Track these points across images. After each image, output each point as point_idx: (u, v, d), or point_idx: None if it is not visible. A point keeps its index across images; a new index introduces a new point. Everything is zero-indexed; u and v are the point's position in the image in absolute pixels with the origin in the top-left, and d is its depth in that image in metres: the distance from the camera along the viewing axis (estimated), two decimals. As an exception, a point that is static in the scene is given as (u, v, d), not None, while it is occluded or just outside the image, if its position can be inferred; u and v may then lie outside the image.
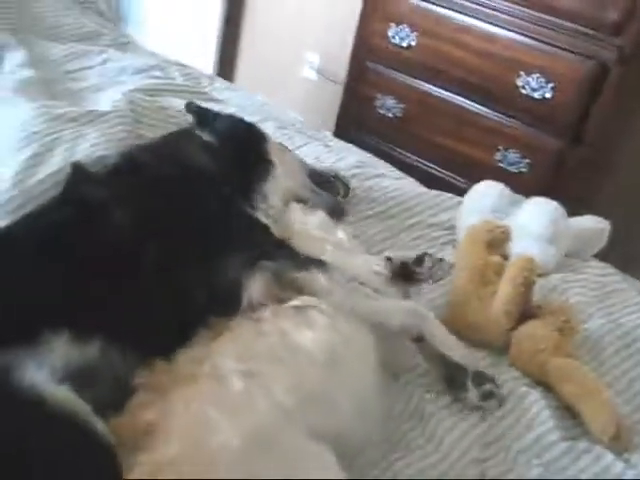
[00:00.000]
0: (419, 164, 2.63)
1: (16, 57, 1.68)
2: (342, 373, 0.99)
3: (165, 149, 1.32)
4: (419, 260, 1.36)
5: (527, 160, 2.40)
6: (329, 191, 1.45)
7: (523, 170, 2.40)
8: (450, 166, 2.58)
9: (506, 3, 2.30)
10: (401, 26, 2.53)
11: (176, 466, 0.84)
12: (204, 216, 1.15)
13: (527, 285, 1.21)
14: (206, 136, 1.35)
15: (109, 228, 1.07)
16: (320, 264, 1.12)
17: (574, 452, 1.07)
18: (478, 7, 2.36)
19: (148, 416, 0.90)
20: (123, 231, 1.07)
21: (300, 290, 1.07)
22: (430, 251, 1.44)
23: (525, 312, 1.24)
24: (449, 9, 2.42)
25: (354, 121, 2.78)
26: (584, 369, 1.18)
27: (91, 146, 1.37)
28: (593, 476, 1.04)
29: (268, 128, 1.69)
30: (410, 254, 1.38)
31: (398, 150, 2.67)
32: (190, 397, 0.91)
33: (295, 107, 2.81)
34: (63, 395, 0.87)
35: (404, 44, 2.55)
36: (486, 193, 1.50)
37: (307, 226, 1.30)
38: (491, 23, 2.34)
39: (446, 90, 2.53)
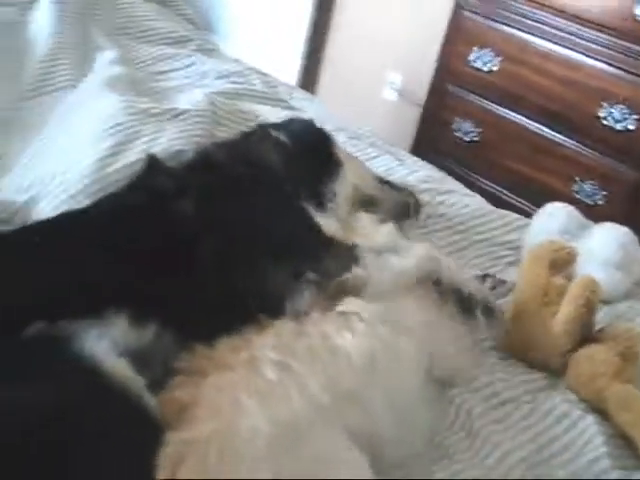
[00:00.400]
0: (493, 190, 2.61)
1: (107, 56, 1.77)
2: (380, 378, 0.99)
3: (240, 147, 1.35)
4: (481, 280, 1.36)
5: (604, 192, 2.34)
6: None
7: (599, 202, 2.34)
8: (524, 194, 2.54)
9: (593, 31, 2.27)
10: (484, 50, 2.53)
11: (203, 447, 0.85)
12: (266, 218, 1.17)
13: (589, 305, 1.18)
14: (281, 136, 1.37)
15: (175, 218, 1.11)
16: (355, 256, 1.14)
17: (625, 482, 1.03)
18: (564, 34, 2.33)
19: (182, 397, 0.92)
20: (187, 223, 1.10)
21: (345, 290, 1.09)
22: (494, 270, 1.44)
23: (586, 335, 1.21)
24: (534, 35, 2.40)
25: (431, 143, 2.78)
26: None
27: (169, 141, 1.42)
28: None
29: (340, 138, 1.72)
30: (474, 273, 1.38)
31: (473, 175, 2.66)
32: (225, 382, 0.93)
33: (373, 126, 2.84)
34: (120, 367, 0.91)
35: (486, 68, 2.55)
36: (554, 214, 1.47)
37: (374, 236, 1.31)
38: (576, 51, 2.32)
39: (525, 117, 2.51)
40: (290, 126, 1.43)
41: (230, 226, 1.12)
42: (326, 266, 1.11)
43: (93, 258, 1.01)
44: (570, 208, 1.51)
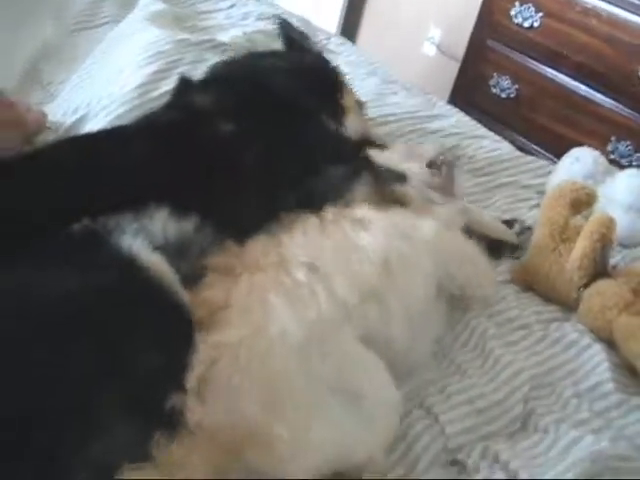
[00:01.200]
0: (527, 147, 2.60)
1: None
2: (396, 282, 1.02)
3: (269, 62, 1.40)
4: (508, 224, 1.39)
5: (638, 154, 2.33)
6: None
7: (634, 163, 2.33)
8: (558, 152, 2.51)
9: (640, -13, 2.23)
10: (526, 5, 2.51)
11: (234, 349, 0.88)
12: (306, 127, 1.23)
13: (604, 241, 1.20)
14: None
15: (216, 134, 1.16)
16: (404, 175, 1.23)
17: (626, 406, 1.07)
18: (608, -11, 2.30)
19: (214, 298, 0.95)
20: (229, 138, 1.15)
21: (395, 201, 1.17)
22: (518, 212, 1.47)
23: (600, 271, 1.24)
24: (577, -10, 2.37)
25: (467, 98, 2.78)
26: None
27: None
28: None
29: (373, 81, 1.75)
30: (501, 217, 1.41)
31: (508, 131, 2.65)
32: (255, 284, 0.96)
33: (410, 80, 2.85)
34: (156, 261, 0.94)
35: (527, 24, 2.52)
36: (581, 158, 1.49)
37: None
38: (620, 7, 2.27)
39: (563, 74, 2.48)
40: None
41: (271, 137, 1.16)
42: (380, 171, 1.20)
43: (136, 161, 1.07)
44: (596, 153, 1.52)
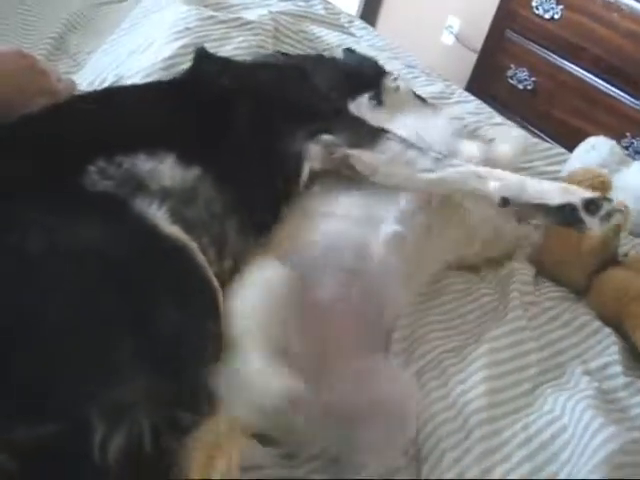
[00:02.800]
0: (542, 139, 2.60)
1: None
2: None
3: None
4: None
5: (655, 151, 2.34)
6: None
7: (649, 160, 2.34)
8: (573, 145, 2.54)
9: (661, -17, 2.24)
10: (547, -4, 2.52)
11: None
12: (293, 90, 1.26)
13: (616, 228, 1.22)
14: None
15: (214, 88, 1.22)
16: (374, 138, 1.13)
17: (632, 388, 1.09)
18: (632, -16, 2.30)
19: None
20: (223, 91, 1.21)
21: (351, 167, 1.12)
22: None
23: (611, 259, 1.26)
24: (600, -17, 2.38)
25: (483, 89, 2.78)
26: None
27: (234, 49, 1.50)
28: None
29: (395, 65, 1.77)
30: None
31: (523, 123, 2.66)
32: None
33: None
34: (176, 231, 0.97)
35: (547, 16, 2.53)
36: (597, 147, 1.51)
37: None
38: (645, 3, 2.29)
39: (582, 68, 2.49)
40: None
41: (259, 93, 1.21)
42: (341, 131, 1.14)
43: (145, 108, 1.15)
44: (612, 142, 1.54)
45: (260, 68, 1.33)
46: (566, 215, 1.06)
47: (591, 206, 1.05)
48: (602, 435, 0.96)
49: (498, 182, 1.08)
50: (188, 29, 1.50)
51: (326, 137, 1.13)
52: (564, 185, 1.10)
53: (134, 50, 1.50)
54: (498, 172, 1.10)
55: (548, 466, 0.96)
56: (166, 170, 1.03)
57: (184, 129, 1.12)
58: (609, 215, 1.05)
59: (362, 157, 1.11)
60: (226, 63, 1.32)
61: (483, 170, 1.11)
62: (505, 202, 1.08)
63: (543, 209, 1.08)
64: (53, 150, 1.00)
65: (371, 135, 1.14)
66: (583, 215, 1.05)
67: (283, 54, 1.47)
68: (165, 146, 1.05)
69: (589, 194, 1.06)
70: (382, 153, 1.12)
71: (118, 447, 0.78)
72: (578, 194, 1.07)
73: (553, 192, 1.08)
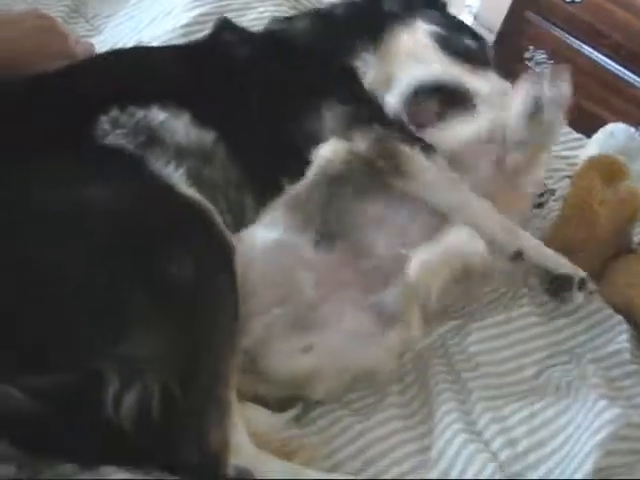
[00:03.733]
0: (557, 124, 2.59)
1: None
2: None
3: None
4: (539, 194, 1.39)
5: (670, 139, 2.32)
6: None
7: (663, 148, 2.32)
8: (588, 130, 2.52)
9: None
10: (570, -22, 2.48)
11: None
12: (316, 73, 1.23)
13: (632, 216, 1.22)
14: None
15: (232, 57, 1.22)
16: (427, 146, 1.14)
17: (639, 376, 1.10)
18: (658, -32, 2.26)
19: None
20: (241, 63, 1.21)
21: (397, 165, 1.10)
22: (549, 181, 1.47)
23: (625, 246, 1.26)
24: (627, -34, 2.34)
25: (500, 70, 2.75)
26: None
27: (254, 19, 1.49)
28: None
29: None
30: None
31: (538, 106, 2.64)
32: None
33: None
34: (193, 192, 0.99)
35: (569, -2, 2.50)
36: (615, 134, 1.50)
37: None
38: (670, -12, 2.25)
39: (602, 53, 2.46)
40: None
41: (279, 74, 1.20)
42: (392, 127, 1.15)
43: (162, 67, 1.17)
44: (632, 130, 1.53)
45: (285, 42, 1.30)
46: (562, 285, 1.15)
47: (582, 283, 1.15)
48: (607, 415, 0.97)
49: (519, 237, 1.14)
50: (207, -3, 1.48)
51: (379, 127, 1.12)
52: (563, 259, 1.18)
53: (155, 17, 1.49)
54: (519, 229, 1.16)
55: (551, 441, 0.97)
56: (180, 126, 1.05)
57: (201, 91, 1.13)
58: (592, 292, 1.18)
59: (415, 157, 1.11)
60: (248, 34, 1.30)
61: (509, 224, 1.15)
62: (518, 255, 1.13)
63: (542, 273, 1.16)
64: (67, 103, 1.02)
65: (424, 144, 1.14)
66: (574, 289, 1.15)
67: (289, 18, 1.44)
68: (180, 103, 1.07)
69: (583, 273, 1.16)
70: (433, 162, 1.12)
71: (131, 404, 0.79)
72: (575, 269, 1.16)
73: (558, 261, 1.16)
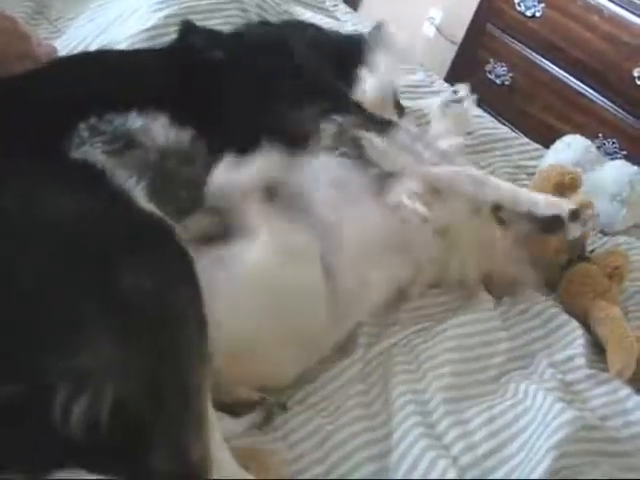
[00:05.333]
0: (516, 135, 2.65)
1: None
2: None
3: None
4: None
5: (624, 152, 2.38)
6: None
7: (618, 161, 2.38)
8: (545, 142, 2.57)
9: (644, -10, 2.26)
10: (530, -7, 2.54)
11: None
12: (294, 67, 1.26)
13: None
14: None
15: (206, 59, 1.23)
16: (385, 127, 1.20)
17: (594, 380, 1.13)
18: (614, -11, 2.32)
19: None
20: (217, 63, 1.23)
21: (360, 148, 1.17)
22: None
23: (580, 254, 1.29)
24: (582, -16, 2.40)
25: (461, 82, 2.80)
26: (621, 315, 1.22)
27: (221, 23, 1.48)
28: (604, 404, 1.10)
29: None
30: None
31: (498, 117, 2.68)
32: None
33: (407, 58, 2.86)
34: (152, 208, 0.95)
35: (529, 13, 2.55)
36: (572, 145, 1.54)
37: None
38: (624, 7, 2.30)
39: (560, 67, 2.52)
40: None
41: (256, 69, 1.22)
42: (351, 114, 1.20)
43: (141, 73, 1.17)
44: (588, 142, 1.57)
45: (255, 43, 1.33)
46: (553, 224, 1.18)
47: (574, 215, 1.17)
48: (563, 417, 0.99)
49: (494, 189, 1.18)
50: (172, -1, 1.48)
51: (339, 118, 1.17)
52: (550, 198, 1.20)
53: (118, 18, 1.48)
54: (494, 179, 1.20)
55: (510, 444, 0.99)
56: (159, 129, 1.05)
57: (178, 93, 1.13)
58: (586, 221, 1.18)
59: (374, 140, 1.16)
60: (215, 35, 1.31)
61: (481, 175, 1.20)
62: (498, 207, 1.19)
63: (530, 217, 1.19)
64: (39, 110, 0.99)
65: (383, 123, 1.21)
66: (567, 222, 1.17)
67: (265, 24, 1.46)
68: (158, 106, 1.07)
69: (572, 205, 1.18)
70: (393, 140, 1.18)
71: (81, 414, 0.77)
72: (564, 206, 1.18)
73: (542, 203, 1.18)
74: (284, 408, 1.00)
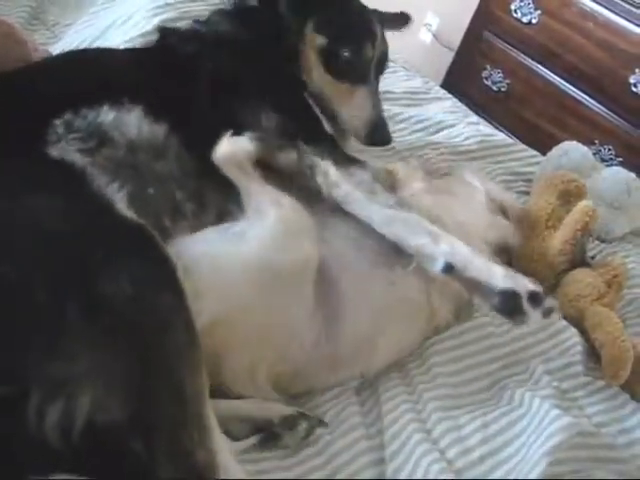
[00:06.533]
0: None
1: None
2: None
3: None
4: None
5: (620, 158, 2.39)
6: None
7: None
8: (541, 148, 2.58)
9: (640, -2, 2.27)
10: (526, 0, 2.54)
11: None
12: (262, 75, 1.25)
13: (585, 230, 1.25)
14: None
15: (179, 54, 1.23)
16: (345, 161, 1.17)
17: (591, 388, 1.13)
18: (610, -4, 2.33)
19: None
20: (189, 58, 1.22)
21: (312, 176, 1.11)
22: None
23: (579, 259, 1.29)
24: (579, -9, 2.41)
25: (458, 88, 2.80)
26: (617, 320, 1.21)
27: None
28: (600, 411, 1.10)
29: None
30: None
31: (494, 123, 2.69)
32: None
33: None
34: (131, 214, 0.95)
35: (525, 20, 2.56)
36: (569, 152, 1.54)
37: None
38: (619, 15, 2.32)
39: (556, 74, 2.53)
40: None
41: (224, 69, 1.21)
42: (313, 142, 1.16)
43: (112, 66, 1.19)
44: (585, 149, 1.57)
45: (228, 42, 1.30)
46: (507, 301, 1.00)
47: (535, 298, 1.00)
48: (558, 424, 0.98)
49: (448, 246, 1.04)
50: (168, 4, 1.49)
51: (300, 143, 1.12)
52: (511, 272, 1.04)
53: (114, 24, 1.48)
54: (452, 238, 1.06)
55: (504, 449, 0.99)
56: (132, 121, 1.05)
57: (151, 88, 1.14)
58: (550, 311, 1.01)
59: (330, 171, 1.11)
60: (188, 33, 1.31)
61: (438, 231, 1.06)
62: (449, 268, 1.03)
63: (485, 289, 1.02)
64: (17, 107, 1.01)
65: (346, 157, 1.19)
66: (526, 305, 1.00)
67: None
68: (131, 100, 1.07)
69: (533, 286, 1.01)
70: (351, 175, 1.13)
71: (55, 420, 0.75)
72: (523, 283, 1.01)
73: (499, 274, 1.02)
74: (323, 424, 1.00)
